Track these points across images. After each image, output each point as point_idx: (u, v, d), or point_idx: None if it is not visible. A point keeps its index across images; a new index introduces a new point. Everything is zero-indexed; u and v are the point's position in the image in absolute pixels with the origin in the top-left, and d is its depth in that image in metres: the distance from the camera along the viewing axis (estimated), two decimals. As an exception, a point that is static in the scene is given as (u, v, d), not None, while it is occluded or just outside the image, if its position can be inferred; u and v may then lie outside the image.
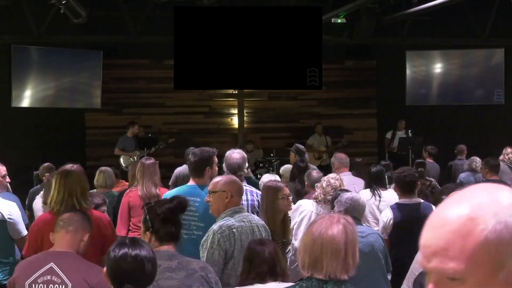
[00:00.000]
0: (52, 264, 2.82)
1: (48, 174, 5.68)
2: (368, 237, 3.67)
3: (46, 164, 6.63)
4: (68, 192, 3.53)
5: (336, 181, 4.59)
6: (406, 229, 4.35)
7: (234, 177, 3.62)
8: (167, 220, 2.81)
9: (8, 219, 4.18)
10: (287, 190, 3.98)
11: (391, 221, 4.58)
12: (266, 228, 3.47)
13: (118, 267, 2.24)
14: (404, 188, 4.70)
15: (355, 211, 3.64)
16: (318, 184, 4.70)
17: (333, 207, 3.94)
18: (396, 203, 4.71)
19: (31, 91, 11.03)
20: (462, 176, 7.66)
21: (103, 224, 3.63)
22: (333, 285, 2.14)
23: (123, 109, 11.97)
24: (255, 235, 3.34)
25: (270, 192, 3.90)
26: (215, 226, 3.31)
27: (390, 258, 4.01)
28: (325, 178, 4.71)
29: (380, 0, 9.99)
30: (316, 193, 4.66)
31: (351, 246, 2.17)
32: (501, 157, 7.63)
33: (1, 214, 4.18)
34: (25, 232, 4.28)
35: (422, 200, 4.76)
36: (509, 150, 7.89)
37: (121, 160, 10.01)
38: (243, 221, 3.36)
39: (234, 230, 3.28)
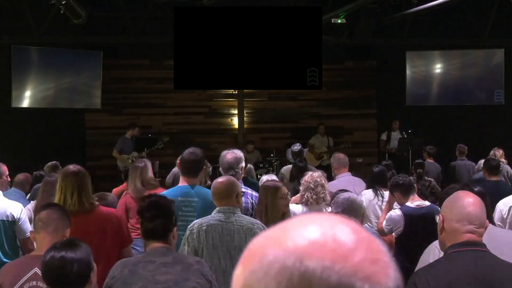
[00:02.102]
0: (36, 269, 2.76)
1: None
2: None
3: (51, 163, 6.53)
4: (77, 192, 3.55)
5: (321, 179, 4.55)
6: (414, 235, 4.34)
7: (224, 179, 3.56)
8: (143, 216, 2.82)
9: (17, 219, 4.20)
10: (285, 189, 3.93)
11: (401, 228, 4.57)
12: (252, 231, 3.35)
13: (47, 269, 2.33)
14: (403, 191, 4.72)
15: (352, 212, 3.59)
16: (302, 188, 4.58)
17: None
18: (406, 207, 4.66)
19: (31, 91, 11.03)
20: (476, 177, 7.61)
21: (117, 220, 3.68)
22: None
23: (123, 110, 11.97)
24: (234, 237, 3.30)
25: (270, 192, 3.84)
26: (191, 223, 3.36)
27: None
28: (310, 180, 4.58)
29: (380, 0, 9.99)
30: (306, 196, 4.56)
31: None
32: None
33: (12, 215, 4.19)
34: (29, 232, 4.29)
35: (428, 203, 4.75)
36: (497, 151, 7.93)
37: (118, 163, 10.04)
38: (222, 221, 3.33)
39: (204, 228, 3.29)
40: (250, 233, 3.33)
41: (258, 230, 3.40)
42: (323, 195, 4.35)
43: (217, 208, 3.41)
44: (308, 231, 0.71)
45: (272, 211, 3.79)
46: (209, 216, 3.39)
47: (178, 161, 7.96)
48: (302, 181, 4.64)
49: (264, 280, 0.69)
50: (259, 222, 3.54)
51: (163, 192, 4.32)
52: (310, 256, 0.68)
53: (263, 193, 3.91)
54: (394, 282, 0.71)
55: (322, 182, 4.49)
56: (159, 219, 2.78)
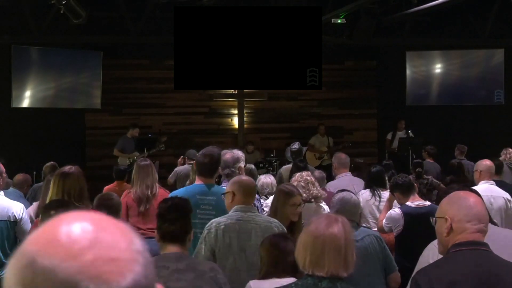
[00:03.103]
0: None
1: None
2: (362, 240, 3.63)
3: (49, 163, 6.57)
4: (66, 193, 3.55)
5: (311, 177, 4.54)
6: (414, 234, 4.34)
7: (242, 177, 3.57)
8: (164, 218, 2.77)
9: (19, 219, 4.19)
10: (299, 199, 3.78)
11: (400, 227, 4.57)
12: (270, 229, 3.32)
13: None
14: (403, 191, 4.72)
15: (346, 212, 3.53)
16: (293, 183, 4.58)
17: None
18: (406, 206, 4.66)
19: (31, 91, 11.02)
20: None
21: None
22: (328, 282, 2.14)
23: (123, 110, 11.97)
24: (251, 235, 3.28)
25: (282, 196, 3.76)
26: (209, 222, 3.37)
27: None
28: (299, 179, 4.55)
29: (380, 0, 9.99)
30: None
31: (350, 244, 2.18)
32: (501, 158, 7.61)
33: (14, 215, 4.17)
34: None
35: (428, 203, 4.74)
36: (510, 150, 7.87)
37: (119, 161, 10.05)
38: (240, 220, 3.32)
39: (221, 227, 3.28)
40: (268, 231, 3.27)
41: (276, 228, 3.35)
42: (315, 190, 4.34)
43: (235, 207, 3.39)
44: (50, 231, 0.73)
45: (278, 215, 3.70)
46: (227, 215, 3.38)
47: (180, 160, 8.05)
48: (291, 181, 4.63)
49: (10, 278, 0.72)
50: (276, 220, 3.48)
51: (181, 189, 4.35)
52: (42, 255, 0.70)
53: (276, 195, 3.87)
54: (131, 281, 0.70)
55: (312, 180, 4.49)
56: (180, 221, 2.75)
